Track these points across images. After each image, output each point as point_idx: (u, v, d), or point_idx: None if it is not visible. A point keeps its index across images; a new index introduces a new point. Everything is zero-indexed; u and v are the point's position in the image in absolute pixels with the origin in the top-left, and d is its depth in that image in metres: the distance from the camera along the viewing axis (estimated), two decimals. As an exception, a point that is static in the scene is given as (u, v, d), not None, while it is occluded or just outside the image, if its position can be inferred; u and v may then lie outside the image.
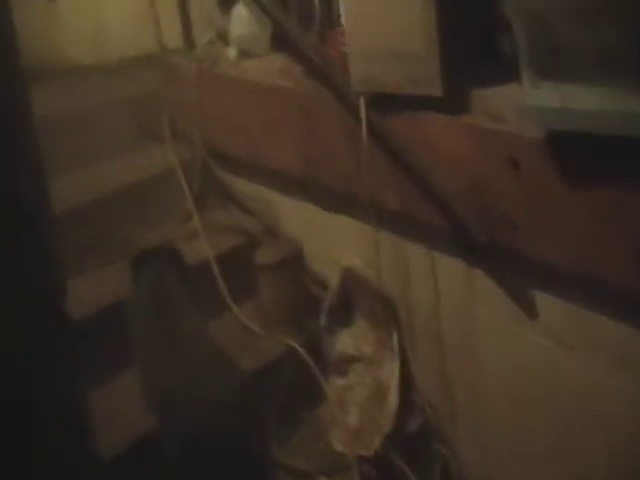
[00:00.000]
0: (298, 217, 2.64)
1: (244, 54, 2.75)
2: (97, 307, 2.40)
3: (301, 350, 2.47)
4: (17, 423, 0.94)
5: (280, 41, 2.63)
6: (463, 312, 2.12)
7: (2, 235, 0.90)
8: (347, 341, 2.41)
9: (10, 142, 0.89)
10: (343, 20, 2.27)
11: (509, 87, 1.88)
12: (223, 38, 2.86)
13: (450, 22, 1.96)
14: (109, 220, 2.67)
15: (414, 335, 2.31)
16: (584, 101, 1.62)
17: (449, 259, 2.11)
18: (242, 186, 2.85)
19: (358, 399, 2.39)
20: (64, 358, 1.01)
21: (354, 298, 2.42)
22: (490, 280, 2.01)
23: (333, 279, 2.44)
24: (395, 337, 2.30)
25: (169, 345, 2.12)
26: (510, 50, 1.92)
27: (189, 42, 2.99)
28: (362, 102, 2.15)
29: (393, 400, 2.30)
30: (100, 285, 2.52)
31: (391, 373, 2.31)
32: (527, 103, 1.71)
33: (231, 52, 2.77)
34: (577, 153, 1.69)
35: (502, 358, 2.05)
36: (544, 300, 1.91)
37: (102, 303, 2.42)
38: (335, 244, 2.50)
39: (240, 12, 2.75)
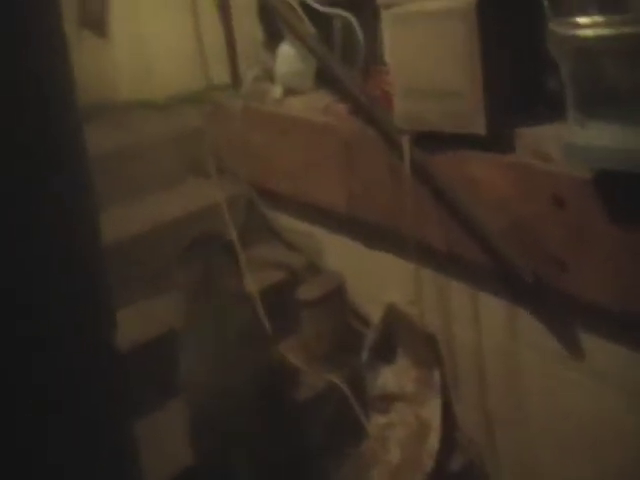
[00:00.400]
0: (341, 253, 2.63)
1: (289, 91, 2.77)
2: (142, 340, 2.40)
3: (343, 386, 2.44)
4: (64, 454, 0.93)
5: (324, 78, 2.64)
6: (507, 351, 2.08)
7: (55, 267, 0.90)
8: (389, 378, 2.37)
9: (64, 175, 0.90)
10: (387, 58, 2.27)
11: (555, 125, 1.86)
12: (269, 75, 2.88)
13: (494, 60, 1.95)
14: (154, 253, 2.68)
15: (457, 373, 2.27)
16: (631, 141, 1.59)
17: (493, 298, 2.08)
18: (286, 221, 2.85)
19: (399, 437, 2.35)
20: (113, 392, 1.00)
21: (396, 335, 2.39)
22: (535, 320, 1.97)
23: (375, 315, 2.41)
24: (437, 375, 2.27)
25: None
26: (556, 88, 1.90)
27: (235, 79, 3.01)
28: (406, 140, 2.14)
29: (435, 439, 2.26)
30: (144, 318, 2.53)
31: (433, 411, 2.27)
32: (573, 142, 1.69)
33: (276, 89, 2.79)
34: (624, 193, 1.66)
35: (547, 399, 2.01)
36: (590, 341, 1.86)
37: (146, 336, 2.43)
38: (377, 280, 2.48)
39: (286, 50, 2.77)
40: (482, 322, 2.14)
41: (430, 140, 2.09)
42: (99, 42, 3.62)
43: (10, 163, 0.85)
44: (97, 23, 3.65)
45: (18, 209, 0.87)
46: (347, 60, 2.53)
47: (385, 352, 2.40)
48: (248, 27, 3.02)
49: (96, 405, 0.96)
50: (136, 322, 2.47)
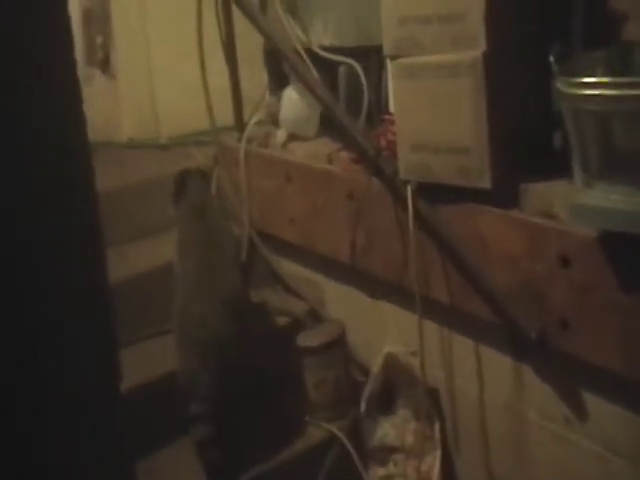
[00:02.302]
0: (343, 301, 2.60)
1: (293, 136, 2.76)
2: (142, 381, 2.36)
3: (342, 436, 2.40)
4: None
5: (328, 125, 2.63)
6: (510, 408, 2.05)
7: (65, 314, 0.88)
8: (388, 429, 2.34)
9: (73, 215, 0.89)
10: (392, 109, 2.26)
11: (560, 183, 1.84)
12: (273, 119, 2.87)
13: (501, 115, 1.93)
14: (154, 295, 2.65)
15: (457, 428, 2.23)
16: (637, 203, 1.57)
17: (496, 353, 2.05)
18: (288, 267, 2.83)
19: (399, 490, 2.31)
20: (119, 440, 0.97)
21: (396, 385, 2.36)
22: (539, 378, 1.94)
23: (375, 365, 2.38)
24: (437, 428, 2.23)
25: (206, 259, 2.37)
26: (563, 145, 1.88)
27: (240, 122, 3.00)
28: (409, 191, 2.12)
29: (434, 493, 2.22)
30: (145, 359, 2.49)
31: (432, 465, 2.23)
32: (579, 202, 1.67)
33: (280, 134, 2.78)
34: (630, 253, 1.63)
35: (550, 459, 1.97)
36: (594, 402, 1.83)
37: (146, 378, 2.39)
38: (379, 330, 2.45)
39: (291, 95, 2.76)
40: (485, 377, 2.10)
41: (435, 192, 2.07)
42: (105, 81, 3.63)
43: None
44: (103, 62, 3.66)
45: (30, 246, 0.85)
46: (351, 108, 2.52)
47: (384, 403, 2.37)
48: (254, 71, 3.02)
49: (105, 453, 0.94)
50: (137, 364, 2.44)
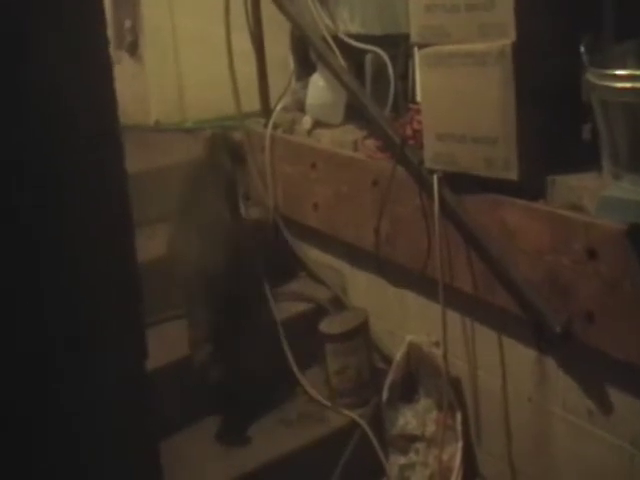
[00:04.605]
0: (367, 289, 2.57)
1: (318, 123, 2.72)
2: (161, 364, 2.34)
3: (363, 423, 2.38)
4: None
5: (354, 112, 2.59)
6: (532, 401, 2.01)
7: (94, 295, 0.88)
8: (409, 418, 2.31)
9: (104, 197, 0.88)
10: (419, 97, 2.22)
11: (589, 175, 1.80)
12: (299, 106, 2.84)
13: (529, 105, 1.89)
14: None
15: (479, 419, 2.20)
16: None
17: (520, 346, 2.01)
18: (312, 253, 2.80)
19: (419, 478, 2.29)
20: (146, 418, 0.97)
21: (418, 375, 2.33)
22: (562, 371, 1.90)
23: (398, 353, 2.35)
24: (459, 419, 2.20)
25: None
26: (591, 137, 1.84)
27: (266, 108, 2.97)
28: (436, 180, 2.09)
29: (455, 483, 2.20)
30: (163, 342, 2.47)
31: (454, 455, 2.21)
32: (607, 195, 1.63)
33: (306, 120, 2.74)
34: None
35: (572, 452, 1.94)
36: (618, 396, 1.79)
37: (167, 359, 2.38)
38: (402, 319, 2.42)
39: (317, 82, 2.73)
40: (508, 369, 2.07)
41: (461, 181, 2.03)
42: (133, 64, 3.61)
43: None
44: (132, 46, 3.64)
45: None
46: (377, 96, 2.48)
47: (406, 392, 2.34)
48: (281, 57, 2.99)
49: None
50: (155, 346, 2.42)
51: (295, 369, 2.56)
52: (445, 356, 2.17)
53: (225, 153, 2.64)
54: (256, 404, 2.45)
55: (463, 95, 1.99)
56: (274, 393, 2.54)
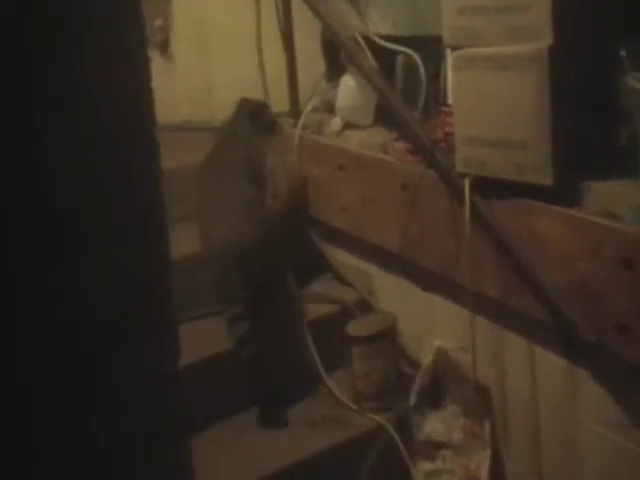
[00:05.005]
0: (394, 292, 2.52)
1: (348, 125, 2.67)
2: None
3: (390, 428, 2.33)
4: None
5: (384, 114, 2.53)
6: (563, 411, 1.95)
7: (127, 293, 0.87)
8: (436, 425, 2.26)
9: (138, 196, 0.87)
10: (451, 100, 2.16)
11: (625, 182, 1.74)
12: (328, 107, 2.79)
13: (564, 109, 1.83)
14: (202, 277, 2.58)
15: (508, 427, 2.14)
16: None
17: (550, 355, 1.95)
18: (338, 255, 2.75)
19: (445, 485, 2.23)
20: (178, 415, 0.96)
21: (446, 381, 2.27)
22: (594, 382, 1.84)
23: (425, 359, 2.30)
24: (487, 427, 2.14)
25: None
26: (627, 144, 1.77)
27: (295, 108, 2.92)
28: (467, 185, 2.03)
29: (482, 491, 2.14)
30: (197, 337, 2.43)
31: (481, 463, 2.15)
32: (645, 203, 1.56)
33: (335, 122, 2.69)
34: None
35: (603, 465, 1.87)
36: (652, 410, 1.73)
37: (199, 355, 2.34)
38: (429, 323, 2.37)
39: (347, 83, 2.68)
40: (538, 378, 2.00)
41: (492, 186, 1.98)
42: (163, 63, 3.58)
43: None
44: (162, 44, 3.61)
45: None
46: (408, 98, 2.43)
47: (433, 397, 2.29)
48: (311, 57, 2.94)
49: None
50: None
51: (321, 370, 2.51)
52: (473, 363, 2.11)
53: (247, 120, 2.60)
54: (287, 388, 2.45)
55: (496, 98, 1.93)
56: (298, 393, 2.49)
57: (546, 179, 1.84)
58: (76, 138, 0.79)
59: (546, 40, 1.80)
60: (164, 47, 3.61)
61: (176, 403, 0.94)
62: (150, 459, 0.90)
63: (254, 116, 2.61)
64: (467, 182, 2.03)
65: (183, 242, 2.55)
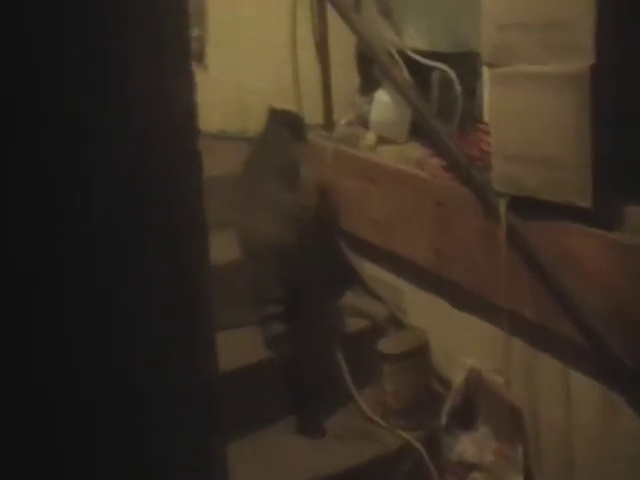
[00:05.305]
0: (426, 309, 2.47)
1: (382, 139, 2.63)
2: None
3: (419, 446, 2.28)
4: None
5: (419, 130, 2.49)
6: (600, 439, 1.88)
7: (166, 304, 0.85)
8: (467, 446, 2.20)
9: (180, 205, 0.86)
10: (488, 118, 2.11)
11: (667, 206, 1.67)
12: (362, 121, 2.75)
13: (606, 130, 1.77)
14: (231, 287, 2.55)
15: (541, 452, 2.08)
16: None
17: (587, 379, 1.89)
18: (370, 269, 2.70)
19: (475, 507, 2.18)
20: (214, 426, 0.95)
21: (478, 401, 2.22)
22: (632, 408, 1.77)
23: (457, 378, 2.24)
24: (520, 451, 2.08)
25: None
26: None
27: (328, 121, 2.89)
28: (503, 204, 1.98)
29: (513, 515, 2.08)
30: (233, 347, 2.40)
31: (513, 487, 2.09)
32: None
33: (369, 136, 2.65)
34: None
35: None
36: (693, 441, 1.66)
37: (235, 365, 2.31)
38: (462, 342, 2.31)
39: (382, 98, 2.64)
40: (573, 403, 1.94)
41: (529, 206, 1.92)
42: (199, 72, 3.55)
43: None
44: (198, 54, 3.60)
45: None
46: (443, 114, 2.38)
47: (465, 418, 2.23)
48: (345, 70, 2.90)
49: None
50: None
51: (350, 385, 2.47)
52: (508, 385, 2.05)
53: (283, 129, 2.64)
54: (321, 390, 2.43)
55: (535, 117, 1.88)
56: (328, 407, 2.46)
57: (585, 200, 1.78)
58: (121, 149, 0.78)
59: (588, 58, 1.74)
60: (200, 57, 3.60)
61: (213, 409, 0.93)
62: (187, 462, 0.89)
63: (289, 125, 2.63)
64: (503, 201, 1.98)
65: (219, 250, 2.52)
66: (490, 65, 2.02)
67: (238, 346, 2.34)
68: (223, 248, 2.48)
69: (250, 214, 2.44)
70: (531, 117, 1.88)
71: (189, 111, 0.86)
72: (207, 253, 0.91)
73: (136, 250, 0.81)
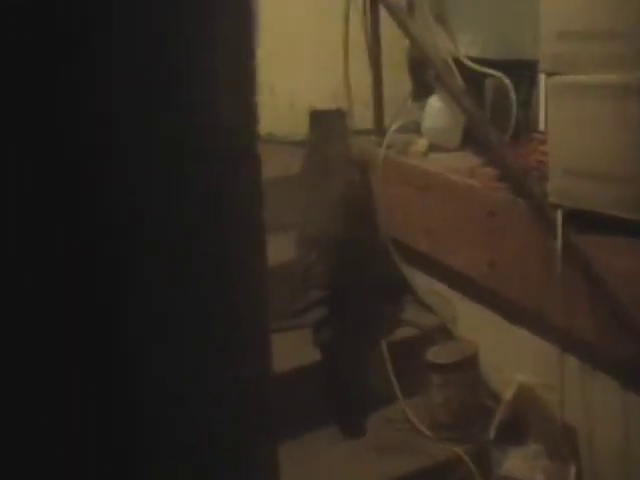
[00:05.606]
0: (476, 320, 2.41)
1: (434, 147, 2.58)
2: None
3: (468, 460, 2.23)
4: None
5: (472, 138, 2.43)
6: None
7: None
8: (517, 462, 2.14)
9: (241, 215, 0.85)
10: (545, 128, 2.05)
11: None
12: (414, 127, 2.70)
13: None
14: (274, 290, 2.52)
15: (596, 475, 2.00)
16: None
17: (646, 401, 1.82)
18: (419, 279, 2.65)
19: (525, 525, 2.11)
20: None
21: (528, 418, 2.15)
22: (694, 435, 1.70)
23: (506, 393, 2.18)
24: (573, 471, 2.01)
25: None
26: None
27: (379, 126, 2.84)
28: (559, 217, 1.91)
29: (564, 535, 2.02)
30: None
31: (564, 508, 2.02)
32: None
33: (421, 143, 2.60)
34: None
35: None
36: None
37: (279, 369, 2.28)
38: (513, 357, 2.25)
39: (435, 104, 2.58)
40: (631, 425, 1.87)
41: (586, 220, 1.86)
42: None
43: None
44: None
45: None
46: (497, 123, 2.32)
47: (515, 434, 2.17)
48: (397, 76, 2.85)
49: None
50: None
51: (398, 394, 2.42)
52: (561, 404, 1.99)
53: (327, 126, 2.68)
54: (361, 389, 2.43)
55: (596, 129, 1.81)
56: (373, 417, 2.41)
57: (645, 216, 1.71)
58: (180, 152, 0.76)
59: (651, 69, 1.67)
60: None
61: (265, 406, 0.91)
62: (237, 459, 0.87)
63: (333, 123, 2.68)
64: (560, 214, 1.92)
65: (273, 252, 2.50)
66: (549, 74, 1.95)
67: (290, 348, 2.32)
68: (280, 250, 2.47)
69: (312, 206, 2.50)
70: (591, 128, 1.82)
71: (250, 116, 0.84)
72: (265, 254, 0.89)
73: (196, 253, 0.79)
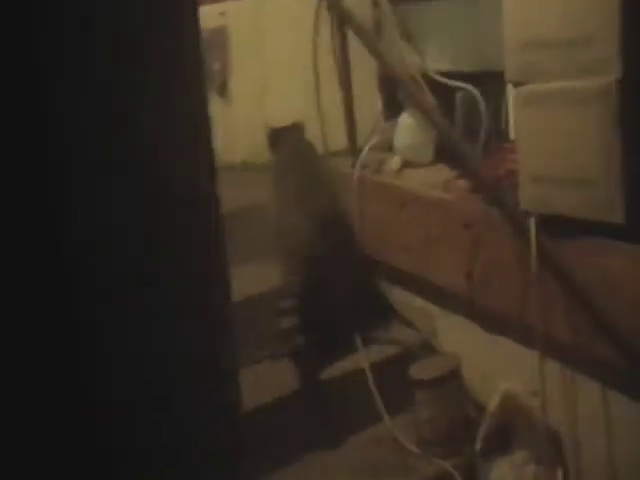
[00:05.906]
0: (457, 333, 2.41)
1: (407, 163, 2.59)
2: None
3: (456, 474, 2.21)
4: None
5: (444, 152, 2.45)
6: (641, 461, 1.81)
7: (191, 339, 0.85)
8: (505, 471, 2.13)
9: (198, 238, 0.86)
10: (514, 136, 2.07)
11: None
12: (387, 145, 2.72)
13: (634, 145, 1.72)
14: (258, 320, 2.51)
15: (583, 476, 2.00)
16: None
17: (628, 403, 1.82)
18: (399, 295, 2.65)
19: (515, 535, 2.10)
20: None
21: (513, 425, 2.15)
22: (675, 431, 1.71)
23: (491, 402, 2.18)
24: (560, 475, 2.01)
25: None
26: None
27: (353, 146, 2.85)
28: (532, 224, 1.93)
29: (554, 542, 2.00)
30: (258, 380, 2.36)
31: (554, 513, 2.02)
32: None
33: (395, 161, 2.62)
34: None
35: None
36: None
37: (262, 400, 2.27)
38: (495, 366, 2.25)
39: (406, 121, 2.61)
40: (614, 428, 1.87)
41: (559, 225, 1.87)
42: (222, 105, 3.57)
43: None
44: (221, 87, 3.61)
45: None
46: (468, 135, 2.34)
47: (501, 442, 2.16)
48: (368, 96, 2.88)
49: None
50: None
51: (384, 414, 2.41)
52: (544, 408, 1.99)
53: (289, 142, 2.73)
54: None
55: (562, 135, 1.83)
56: (360, 437, 2.40)
57: (617, 217, 1.73)
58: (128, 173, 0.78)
59: (614, 73, 1.70)
60: (222, 90, 3.61)
61: (240, 445, 0.91)
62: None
63: (294, 137, 2.75)
64: (533, 221, 1.93)
65: (243, 285, 2.49)
66: (515, 83, 1.98)
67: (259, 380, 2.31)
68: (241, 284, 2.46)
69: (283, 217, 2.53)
70: (559, 135, 1.84)
71: (206, 162, 0.86)
72: (229, 294, 0.89)
73: (155, 293, 0.80)
